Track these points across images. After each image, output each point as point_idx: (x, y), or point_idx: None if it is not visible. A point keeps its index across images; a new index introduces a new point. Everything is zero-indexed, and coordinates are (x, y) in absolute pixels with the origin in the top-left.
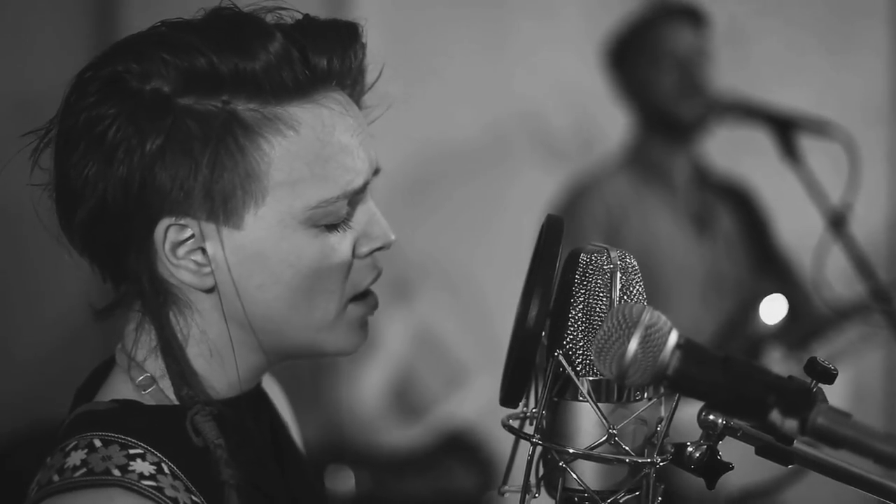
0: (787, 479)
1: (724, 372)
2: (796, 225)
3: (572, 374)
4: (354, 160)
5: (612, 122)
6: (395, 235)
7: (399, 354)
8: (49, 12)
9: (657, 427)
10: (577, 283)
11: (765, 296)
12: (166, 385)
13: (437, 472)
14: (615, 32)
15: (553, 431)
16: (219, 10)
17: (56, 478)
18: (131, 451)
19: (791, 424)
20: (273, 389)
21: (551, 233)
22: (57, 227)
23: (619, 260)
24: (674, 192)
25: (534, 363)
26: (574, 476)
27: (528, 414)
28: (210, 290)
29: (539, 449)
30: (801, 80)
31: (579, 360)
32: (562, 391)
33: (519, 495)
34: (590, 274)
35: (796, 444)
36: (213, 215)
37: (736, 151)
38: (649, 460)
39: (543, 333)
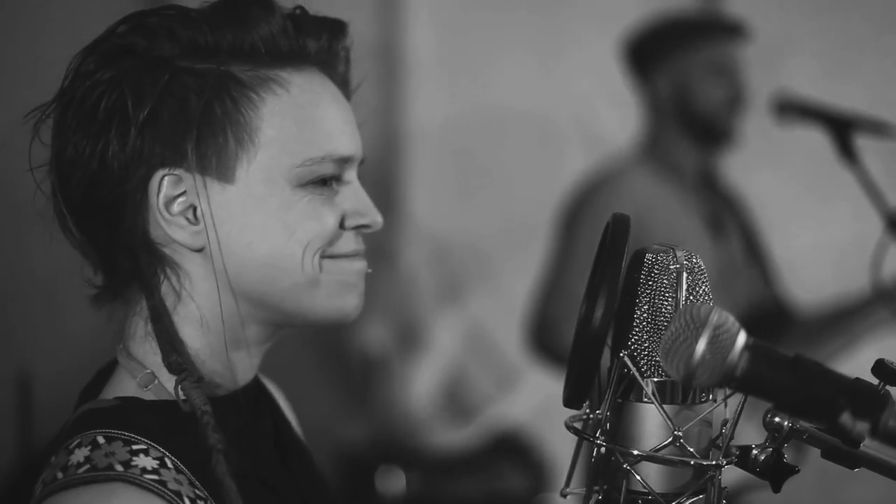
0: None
1: (794, 373)
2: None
3: (637, 375)
4: (341, 132)
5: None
6: (381, 218)
7: (450, 355)
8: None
9: (721, 429)
10: (642, 282)
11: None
12: (166, 380)
13: (488, 473)
14: (647, 29)
15: (617, 433)
16: None
17: (60, 475)
18: (134, 447)
19: (862, 427)
20: (271, 387)
21: (617, 232)
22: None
23: (686, 260)
24: (686, 194)
25: (599, 364)
26: (638, 478)
27: (592, 415)
28: (200, 250)
29: (602, 451)
30: (853, 80)
31: (644, 361)
32: (626, 392)
33: (578, 497)
34: (655, 274)
35: (862, 447)
36: (206, 168)
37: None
38: (714, 462)
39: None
